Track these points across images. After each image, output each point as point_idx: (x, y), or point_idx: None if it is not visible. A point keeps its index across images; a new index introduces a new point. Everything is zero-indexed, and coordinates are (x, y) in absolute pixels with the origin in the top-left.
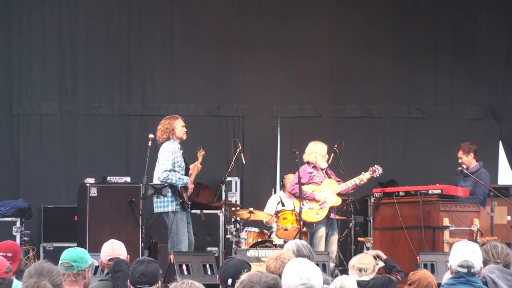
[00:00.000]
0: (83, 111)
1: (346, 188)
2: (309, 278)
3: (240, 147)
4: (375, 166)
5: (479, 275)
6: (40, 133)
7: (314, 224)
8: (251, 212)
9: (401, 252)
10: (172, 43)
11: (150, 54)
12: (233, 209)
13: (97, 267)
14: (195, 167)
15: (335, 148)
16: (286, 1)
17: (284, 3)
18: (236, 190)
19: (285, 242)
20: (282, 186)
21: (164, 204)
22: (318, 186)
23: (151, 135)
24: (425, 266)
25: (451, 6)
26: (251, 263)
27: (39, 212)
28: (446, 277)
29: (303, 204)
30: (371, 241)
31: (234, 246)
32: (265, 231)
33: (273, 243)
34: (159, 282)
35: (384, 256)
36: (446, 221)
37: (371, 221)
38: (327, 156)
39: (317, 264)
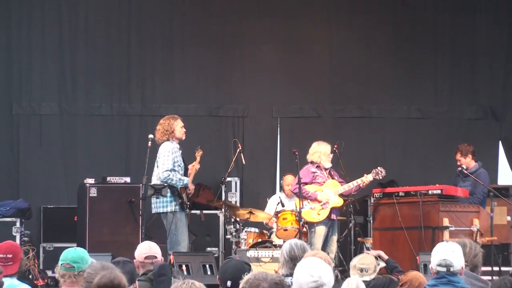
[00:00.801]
0: (83, 111)
1: (348, 189)
2: (320, 276)
3: (240, 148)
4: (379, 168)
5: (460, 275)
6: (40, 133)
7: (315, 224)
8: (251, 212)
9: (401, 252)
10: (172, 43)
11: (150, 54)
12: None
13: None
14: (193, 167)
15: (335, 149)
16: (286, 1)
17: (284, 3)
18: (236, 191)
19: (309, 242)
20: (282, 187)
21: (163, 205)
22: (321, 187)
23: (151, 136)
24: (425, 267)
25: (451, 6)
26: (251, 264)
27: (39, 213)
28: None
29: (304, 205)
30: (371, 241)
31: (234, 246)
32: (265, 231)
33: (273, 243)
34: (136, 282)
35: (385, 257)
36: (446, 222)
37: (371, 221)
38: (331, 156)
39: None
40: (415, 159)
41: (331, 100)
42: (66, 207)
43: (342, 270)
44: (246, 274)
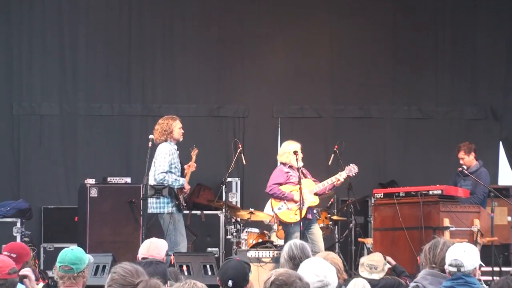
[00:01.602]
0: (83, 111)
1: (323, 188)
2: (325, 275)
3: (241, 148)
4: (351, 165)
5: (474, 276)
6: (40, 133)
7: (292, 225)
8: (251, 212)
9: (402, 252)
10: (172, 44)
11: (150, 54)
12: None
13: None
14: (189, 167)
15: (335, 149)
16: (286, 2)
17: (284, 3)
18: (236, 191)
19: (285, 242)
20: None
21: (160, 206)
22: (296, 186)
23: (151, 136)
24: None
25: (451, 6)
26: (251, 264)
27: (40, 213)
28: None
29: (281, 205)
30: (372, 241)
31: (234, 246)
32: (265, 231)
33: (274, 243)
34: (168, 282)
35: (393, 262)
36: (446, 222)
37: (372, 221)
38: (301, 155)
39: None
40: (415, 159)
41: (332, 100)
42: (66, 208)
43: None
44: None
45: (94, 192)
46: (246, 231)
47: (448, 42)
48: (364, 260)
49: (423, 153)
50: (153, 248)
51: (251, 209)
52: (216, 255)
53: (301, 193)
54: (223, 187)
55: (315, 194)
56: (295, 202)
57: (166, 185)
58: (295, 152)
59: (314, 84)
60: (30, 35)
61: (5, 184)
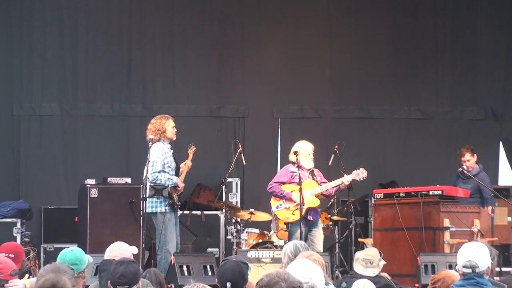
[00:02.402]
0: (83, 112)
1: (325, 190)
2: (311, 277)
3: (241, 148)
4: (360, 169)
5: (487, 275)
6: (40, 134)
7: (289, 224)
8: (251, 213)
9: (402, 252)
10: (173, 44)
11: (150, 55)
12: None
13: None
14: (185, 165)
15: (335, 149)
16: (286, 2)
17: (284, 4)
18: (236, 191)
19: (285, 243)
20: None
21: (153, 205)
22: (298, 186)
23: (151, 136)
24: (426, 267)
25: (451, 6)
26: (252, 264)
27: (40, 213)
28: None
29: (279, 204)
30: (372, 242)
31: (234, 247)
32: (265, 232)
33: (274, 244)
34: (139, 282)
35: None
36: (446, 222)
37: (372, 222)
38: (311, 156)
39: None
40: (415, 159)
41: (332, 100)
42: (67, 208)
43: (343, 270)
44: (245, 273)
45: (94, 193)
46: (246, 232)
47: (448, 42)
48: (360, 255)
49: (423, 153)
50: (115, 249)
51: (251, 210)
52: (216, 256)
53: (301, 193)
54: (223, 187)
55: (322, 195)
56: (293, 201)
57: (159, 184)
58: (296, 152)
59: (314, 84)
60: (30, 35)
61: (5, 184)
